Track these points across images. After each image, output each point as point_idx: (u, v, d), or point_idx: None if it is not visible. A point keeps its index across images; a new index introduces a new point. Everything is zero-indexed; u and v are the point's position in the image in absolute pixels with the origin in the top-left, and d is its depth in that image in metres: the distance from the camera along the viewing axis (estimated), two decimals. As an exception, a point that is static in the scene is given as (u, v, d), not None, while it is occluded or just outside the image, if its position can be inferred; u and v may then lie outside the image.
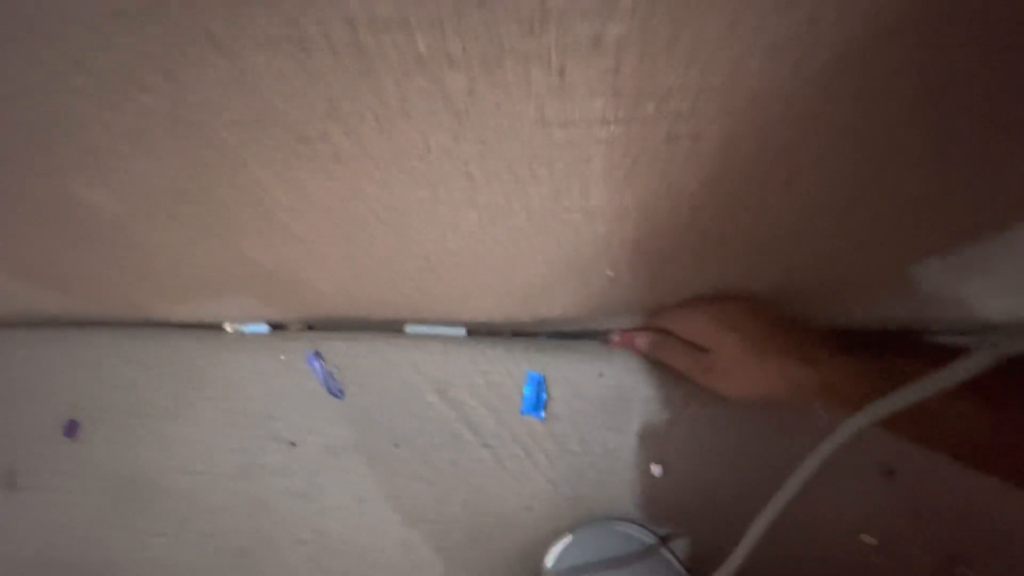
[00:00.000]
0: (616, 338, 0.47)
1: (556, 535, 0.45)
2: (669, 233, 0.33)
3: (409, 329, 0.50)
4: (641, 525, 0.46)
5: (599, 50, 0.21)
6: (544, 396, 0.47)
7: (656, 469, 0.46)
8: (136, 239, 0.35)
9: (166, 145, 0.26)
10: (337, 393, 0.47)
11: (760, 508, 0.44)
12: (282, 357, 0.48)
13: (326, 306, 0.47)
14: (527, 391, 0.47)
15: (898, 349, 0.33)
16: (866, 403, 0.28)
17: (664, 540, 0.45)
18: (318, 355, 0.48)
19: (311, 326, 0.52)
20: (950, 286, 0.37)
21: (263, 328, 0.51)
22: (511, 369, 0.47)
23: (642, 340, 0.44)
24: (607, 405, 0.46)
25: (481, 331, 0.51)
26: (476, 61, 0.22)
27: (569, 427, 0.47)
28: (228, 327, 0.51)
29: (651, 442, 0.46)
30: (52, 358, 0.48)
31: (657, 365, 0.45)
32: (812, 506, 0.42)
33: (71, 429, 0.46)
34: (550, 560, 0.44)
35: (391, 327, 0.50)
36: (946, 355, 0.26)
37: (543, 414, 0.47)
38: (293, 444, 0.46)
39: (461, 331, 0.50)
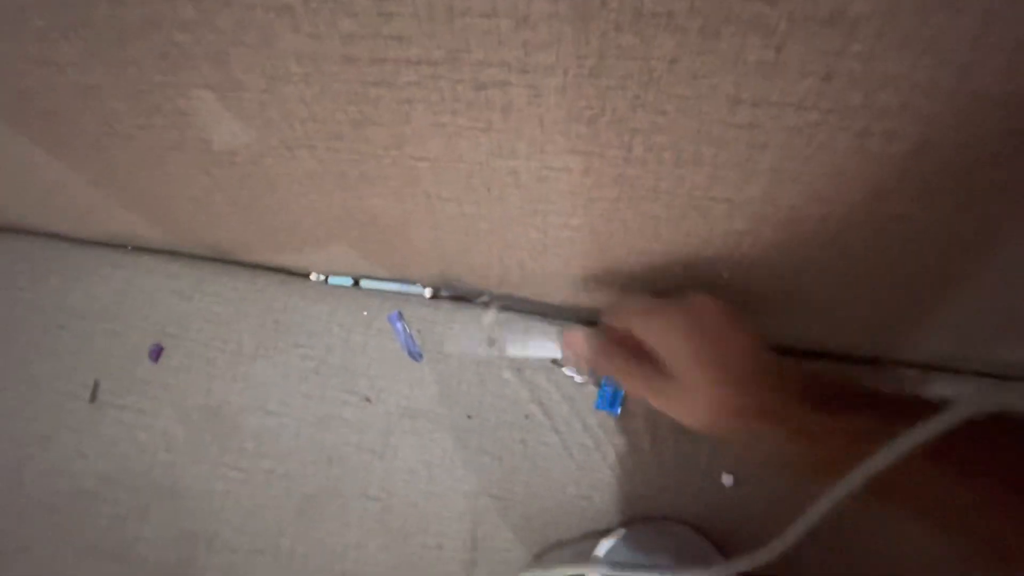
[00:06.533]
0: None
1: (611, 529, 0.45)
2: (808, 242, 0.32)
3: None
4: (698, 531, 0.45)
5: (832, 27, 0.20)
6: (621, 393, 0.46)
7: (727, 479, 0.45)
8: (265, 173, 0.34)
9: (338, 74, 0.26)
10: (416, 356, 0.47)
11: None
12: (364, 313, 0.48)
13: (417, 265, 0.46)
14: (604, 385, 0.46)
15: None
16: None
17: (719, 548, 0.44)
18: (401, 316, 0.48)
19: (393, 286, 0.52)
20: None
21: (347, 281, 0.51)
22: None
23: (580, 344, 0.35)
24: (687, 408, 0.45)
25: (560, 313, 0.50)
26: (696, 24, 0.21)
27: (643, 425, 0.46)
28: (313, 276, 0.51)
29: (726, 451, 0.45)
30: (144, 283, 0.49)
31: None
32: (848, 541, 0.41)
33: (156, 353, 0.47)
34: (601, 550, 0.44)
35: (472, 295, 0.50)
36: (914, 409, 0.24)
37: (619, 410, 0.46)
38: (368, 400, 0.46)
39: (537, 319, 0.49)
